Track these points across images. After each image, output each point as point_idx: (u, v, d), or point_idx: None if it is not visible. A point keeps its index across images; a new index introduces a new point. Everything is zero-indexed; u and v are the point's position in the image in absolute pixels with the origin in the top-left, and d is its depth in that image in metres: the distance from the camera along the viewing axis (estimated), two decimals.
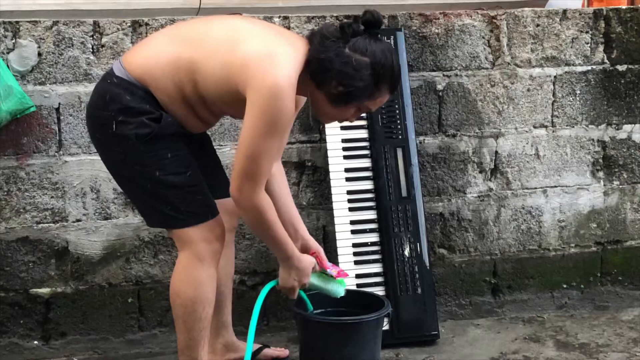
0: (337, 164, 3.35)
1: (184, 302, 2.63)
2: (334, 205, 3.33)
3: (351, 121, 2.70)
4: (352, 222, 3.33)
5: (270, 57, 2.43)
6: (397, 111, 3.39)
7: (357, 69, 2.48)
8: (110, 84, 2.55)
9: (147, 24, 3.24)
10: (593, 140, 3.73)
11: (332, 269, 2.88)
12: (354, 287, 3.26)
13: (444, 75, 3.55)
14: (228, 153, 3.32)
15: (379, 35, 2.55)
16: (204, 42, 2.52)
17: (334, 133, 3.37)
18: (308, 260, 2.73)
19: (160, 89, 2.53)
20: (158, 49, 2.55)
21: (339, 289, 2.88)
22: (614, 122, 3.75)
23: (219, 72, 2.48)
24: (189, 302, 2.62)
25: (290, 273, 2.69)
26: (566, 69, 3.67)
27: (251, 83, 2.41)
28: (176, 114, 2.57)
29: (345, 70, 2.48)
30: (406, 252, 3.34)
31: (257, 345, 3.14)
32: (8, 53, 3.14)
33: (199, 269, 2.61)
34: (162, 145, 2.53)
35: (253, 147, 2.44)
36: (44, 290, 3.27)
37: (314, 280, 2.79)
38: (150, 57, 2.54)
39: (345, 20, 2.58)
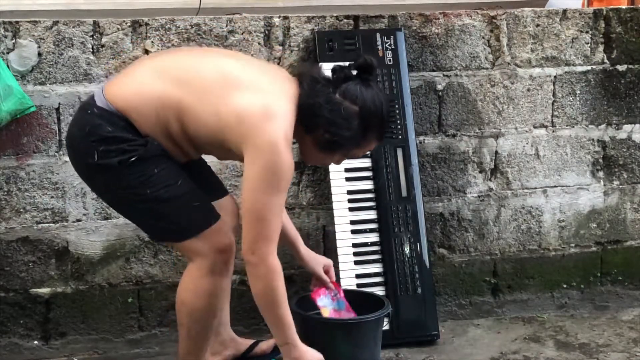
0: None
1: (190, 311, 2.60)
2: (334, 205, 3.33)
3: (337, 164, 2.70)
4: (352, 222, 3.33)
5: (265, 114, 2.39)
6: (397, 111, 3.39)
7: (346, 118, 2.46)
8: (91, 114, 2.49)
9: (147, 24, 3.24)
10: (593, 140, 3.73)
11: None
12: (354, 287, 3.27)
13: (444, 75, 3.55)
14: None
15: (371, 81, 2.53)
16: (193, 84, 2.46)
17: None
18: (315, 356, 2.61)
19: (145, 123, 2.47)
20: (144, 83, 2.48)
21: None
22: (614, 122, 3.75)
23: (211, 119, 2.43)
24: (196, 311, 2.60)
25: None
26: (566, 69, 3.67)
27: (248, 141, 2.39)
28: (163, 145, 2.51)
29: (333, 119, 2.46)
30: (406, 252, 3.34)
31: (251, 341, 3.16)
32: (8, 53, 3.14)
33: (209, 280, 2.57)
34: (148, 163, 2.47)
35: (259, 206, 2.41)
36: (44, 290, 3.27)
37: None
38: (136, 91, 2.48)
39: (336, 65, 2.56)
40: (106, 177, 2.49)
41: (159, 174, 2.47)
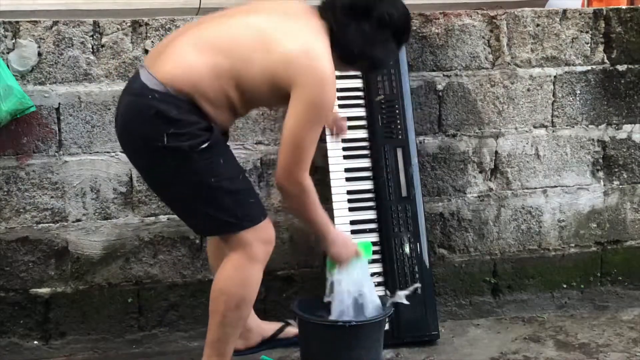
0: (337, 164, 3.35)
1: (229, 300, 2.65)
2: (334, 205, 3.32)
3: None
4: (352, 222, 3.33)
5: (309, 53, 2.54)
6: (397, 111, 3.39)
7: (382, 43, 2.66)
8: (152, 99, 2.52)
9: (147, 24, 3.25)
10: (593, 140, 3.73)
11: None
12: None
13: (444, 75, 3.55)
14: None
15: None
16: (236, 49, 2.57)
17: None
18: (348, 235, 3.01)
19: (207, 98, 2.56)
20: (190, 59, 2.55)
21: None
22: (614, 122, 3.75)
23: (260, 75, 2.56)
24: (236, 300, 2.66)
25: (338, 246, 2.85)
26: (566, 69, 3.67)
27: (297, 81, 2.53)
28: (219, 119, 2.62)
29: (370, 52, 2.65)
30: (406, 252, 3.34)
31: (278, 325, 3.20)
32: (8, 53, 3.14)
33: (251, 270, 2.66)
34: (215, 152, 2.57)
35: (301, 135, 2.56)
36: (44, 290, 3.27)
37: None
38: (186, 69, 2.54)
39: None
40: (174, 162, 2.55)
41: (224, 164, 2.60)
